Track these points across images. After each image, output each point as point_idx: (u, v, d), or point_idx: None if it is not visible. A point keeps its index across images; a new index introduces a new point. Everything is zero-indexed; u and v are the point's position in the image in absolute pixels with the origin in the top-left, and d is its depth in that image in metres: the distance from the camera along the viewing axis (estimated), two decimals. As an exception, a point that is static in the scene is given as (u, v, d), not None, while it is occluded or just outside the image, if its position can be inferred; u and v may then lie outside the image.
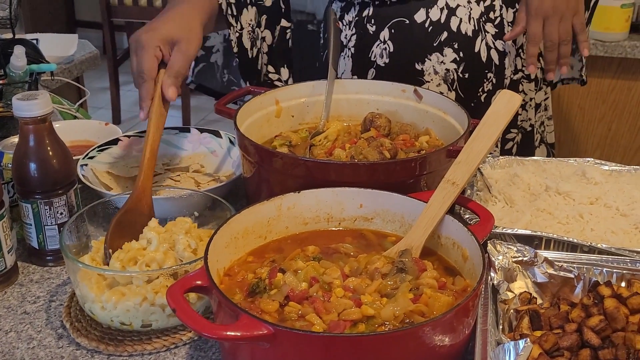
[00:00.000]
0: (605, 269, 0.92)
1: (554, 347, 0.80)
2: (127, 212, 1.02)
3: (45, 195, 1.04)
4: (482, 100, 1.44)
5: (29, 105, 1.01)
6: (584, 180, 1.11)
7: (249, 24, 1.40)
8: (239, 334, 0.71)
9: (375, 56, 1.43)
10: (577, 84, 1.53)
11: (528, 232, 0.99)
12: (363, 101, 1.31)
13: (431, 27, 1.38)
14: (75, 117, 1.66)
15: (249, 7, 1.40)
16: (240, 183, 1.20)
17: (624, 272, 0.91)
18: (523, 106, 1.50)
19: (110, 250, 0.98)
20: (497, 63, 1.42)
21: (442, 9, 1.37)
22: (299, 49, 1.59)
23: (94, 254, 0.98)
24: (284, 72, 1.51)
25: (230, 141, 1.34)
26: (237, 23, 1.38)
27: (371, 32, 1.42)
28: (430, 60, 1.39)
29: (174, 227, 1.00)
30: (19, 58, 1.41)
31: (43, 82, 1.87)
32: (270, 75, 1.50)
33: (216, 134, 1.37)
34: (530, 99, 1.51)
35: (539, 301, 0.92)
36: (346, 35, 1.45)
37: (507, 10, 1.41)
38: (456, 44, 1.38)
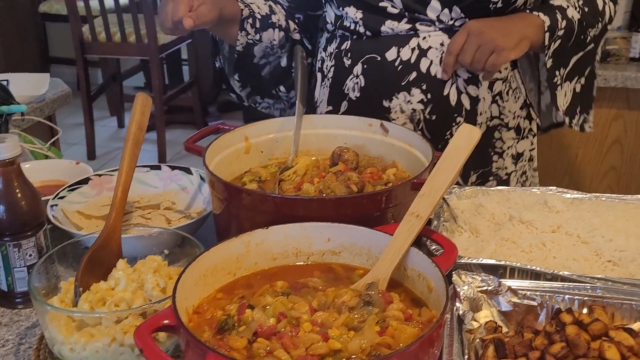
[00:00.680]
0: (567, 296, 0.94)
1: (517, 375, 0.81)
2: (97, 251, 1.03)
3: (14, 237, 1.05)
4: None
5: (-4, 149, 1.01)
6: (546, 209, 1.14)
7: (271, 42, 1.47)
8: (206, 373, 0.71)
9: (348, 89, 1.47)
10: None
11: (493, 261, 1.02)
12: (331, 136, 1.34)
13: (401, 66, 1.40)
14: (46, 157, 1.67)
15: (277, 30, 1.47)
16: (212, 219, 1.21)
17: (585, 298, 0.94)
18: (500, 154, 1.49)
19: (81, 289, 0.98)
20: (469, 108, 1.41)
21: (413, 49, 1.39)
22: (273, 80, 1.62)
23: (63, 295, 0.98)
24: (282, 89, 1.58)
25: (201, 178, 1.36)
26: (256, 34, 1.44)
27: (347, 65, 1.46)
28: (398, 98, 1.41)
29: (143, 266, 1.01)
30: (-12, 100, 1.42)
31: (14, 122, 1.87)
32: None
33: (187, 170, 1.38)
34: (508, 147, 1.49)
35: (505, 329, 0.94)
36: (327, 65, 1.50)
37: None
38: (424, 85, 1.39)
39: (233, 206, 1.09)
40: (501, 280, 0.95)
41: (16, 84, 1.90)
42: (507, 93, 1.46)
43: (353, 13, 1.42)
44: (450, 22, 1.37)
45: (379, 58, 1.41)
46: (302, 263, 1.02)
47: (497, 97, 1.45)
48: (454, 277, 0.95)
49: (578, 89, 1.48)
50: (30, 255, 1.06)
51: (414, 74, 1.39)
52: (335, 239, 1.01)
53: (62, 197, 1.28)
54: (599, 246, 1.05)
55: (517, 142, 1.51)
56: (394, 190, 1.07)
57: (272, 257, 1.00)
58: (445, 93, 1.40)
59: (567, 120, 1.48)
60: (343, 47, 1.47)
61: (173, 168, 1.39)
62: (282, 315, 0.86)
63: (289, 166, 1.26)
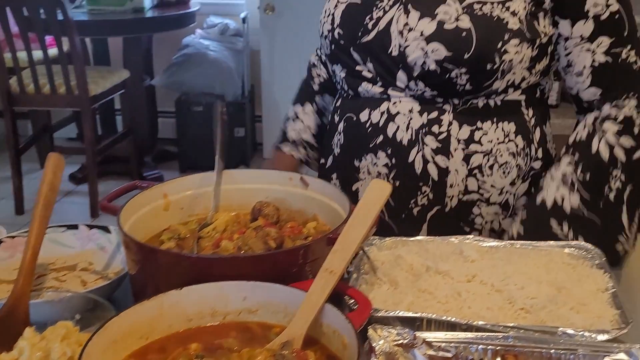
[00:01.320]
0: (480, 346, 0.95)
1: None
2: (2, 320, 0.99)
3: None
4: (415, 214, 1.39)
5: None
6: (462, 259, 1.16)
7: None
8: None
9: (334, 145, 1.50)
10: None
11: (409, 314, 1.02)
12: (252, 190, 1.34)
13: (370, 128, 1.41)
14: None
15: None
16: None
17: (498, 347, 0.95)
18: (480, 231, 1.41)
19: (-13, 361, 0.93)
20: (436, 179, 1.37)
21: (382, 113, 1.39)
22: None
23: (-36, 369, 0.93)
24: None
25: (120, 236, 1.33)
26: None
27: (335, 122, 1.50)
28: (366, 159, 1.42)
29: (52, 334, 0.97)
30: None
31: None
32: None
33: (105, 229, 1.35)
34: (486, 222, 1.41)
35: (421, 383, 0.94)
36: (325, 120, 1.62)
37: (458, 128, 1.35)
38: (390, 150, 1.39)
39: (148, 267, 1.07)
40: (416, 333, 0.96)
41: None
42: (491, 167, 1.37)
43: (339, 72, 1.47)
44: (420, 92, 1.36)
45: (354, 118, 1.44)
46: (218, 323, 1.00)
47: (475, 171, 1.37)
48: (370, 331, 0.95)
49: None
50: None
51: (381, 137, 1.40)
52: (252, 297, 1.00)
53: (-29, 261, 1.23)
54: (512, 294, 1.07)
55: (503, 219, 1.42)
56: (310, 246, 1.07)
57: (187, 318, 0.98)
58: (410, 160, 1.37)
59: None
60: (337, 104, 1.52)
61: (91, 227, 1.35)
62: (193, 380, 0.84)
63: (208, 223, 1.25)
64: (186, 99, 5.02)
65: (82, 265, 1.28)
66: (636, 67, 1.35)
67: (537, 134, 1.42)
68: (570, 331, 0.97)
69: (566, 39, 1.35)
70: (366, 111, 1.42)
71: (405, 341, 0.95)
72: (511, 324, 0.99)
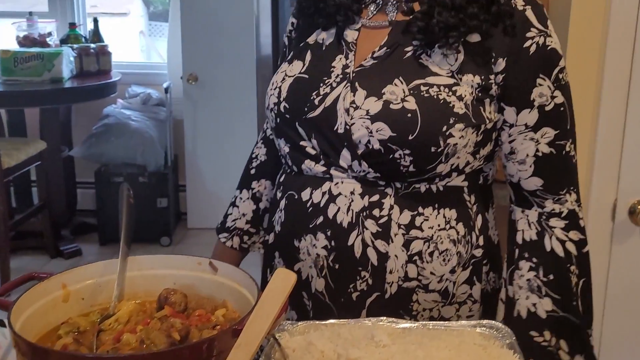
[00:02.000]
0: None
1: None
2: None
3: None
4: (354, 299, 1.36)
5: None
6: (373, 344, 1.14)
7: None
8: None
9: (275, 221, 1.46)
10: None
11: (319, 407, 0.99)
12: (159, 276, 1.28)
13: (311, 208, 1.38)
14: None
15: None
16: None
17: None
18: (415, 317, 1.37)
19: None
20: (376, 264, 1.33)
21: (324, 193, 1.37)
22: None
23: None
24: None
25: (16, 330, 1.24)
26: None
27: (277, 198, 1.47)
28: (305, 240, 1.39)
29: None
30: None
31: None
32: None
33: (1, 323, 1.26)
34: (424, 310, 1.37)
35: None
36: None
37: (399, 213, 1.33)
38: (329, 232, 1.35)
39: (40, 368, 1.00)
40: None
41: None
42: (431, 254, 1.35)
43: (283, 145, 1.44)
44: (362, 174, 1.34)
45: (296, 196, 1.41)
46: None
47: (415, 257, 1.34)
48: None
49: None
50: None
51: (321, 218, 1.36)
52: (151, 398, 0.94)
53: None
54: (423, 380, 1.05)
55: (442, 307, 1.38)
56: (214, 340, 1.02)
57: None
58: (349, 243, 1.34)
59: None
60: (281, 179, 1.49)
61: (-17, 321, 1.26)
62: None
63: (110, 314, 1.18)
64: (106, 170, 4.91)
65: (-30, 364, 1.18)
66: (574, 161, 1.38)
67: (479, 221, 1.40)
68: (480, 419, 0.96)
69: (511, 126, 1.35)
70: (308, 190, 1.39)
71: None
72: (422, 414, 0.97)
